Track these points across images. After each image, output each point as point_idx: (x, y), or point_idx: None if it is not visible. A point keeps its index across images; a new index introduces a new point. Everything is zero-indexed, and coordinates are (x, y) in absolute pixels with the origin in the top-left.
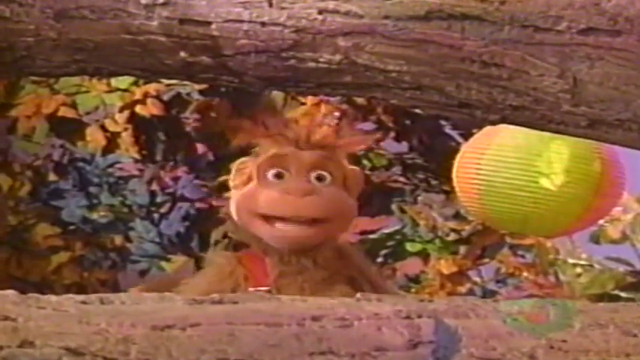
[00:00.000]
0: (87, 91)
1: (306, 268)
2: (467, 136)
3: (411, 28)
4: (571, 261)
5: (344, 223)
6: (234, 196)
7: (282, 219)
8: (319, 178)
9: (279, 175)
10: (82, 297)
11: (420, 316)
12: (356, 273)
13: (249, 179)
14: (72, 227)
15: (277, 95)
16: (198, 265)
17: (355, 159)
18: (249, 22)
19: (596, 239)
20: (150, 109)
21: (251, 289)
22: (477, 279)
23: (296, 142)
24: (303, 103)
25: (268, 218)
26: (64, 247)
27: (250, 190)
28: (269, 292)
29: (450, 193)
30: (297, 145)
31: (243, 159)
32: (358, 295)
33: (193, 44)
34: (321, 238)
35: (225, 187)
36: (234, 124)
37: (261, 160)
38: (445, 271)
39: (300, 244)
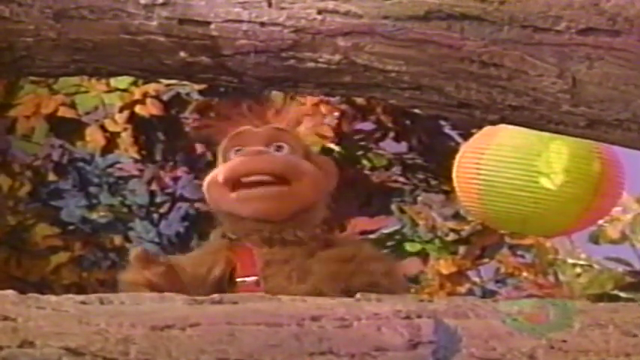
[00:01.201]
0: (86, 91)
1: (293, 257)
2: (466, 136)
3: (410, 28)
4: (570, 261)
5: (308, 187)
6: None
7: (245, 185)
8: (279, 149)
9: (239, 152)
10: (81, 297)
11: (419, 317)
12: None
13: None
14: (71, 227)
15: (277, 95)
16: None
17: (355, 159)
18: (249, 22)
19: (595, 239)
20: (149, 109)
21: (239, 279)
22: (477, 279)
23: (252, 123)
24: (303, 103)
25: (234, 188)
26: (63, 247)
27: (213, 172)
28: (257, 282)
29: (449, 193)
30: (253, 125)
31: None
32: (358, 295)
33: (193, 44)
34: (289, 201)
35: None
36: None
37: (223, 145)
38: (444, 271)
39: (269, 206)
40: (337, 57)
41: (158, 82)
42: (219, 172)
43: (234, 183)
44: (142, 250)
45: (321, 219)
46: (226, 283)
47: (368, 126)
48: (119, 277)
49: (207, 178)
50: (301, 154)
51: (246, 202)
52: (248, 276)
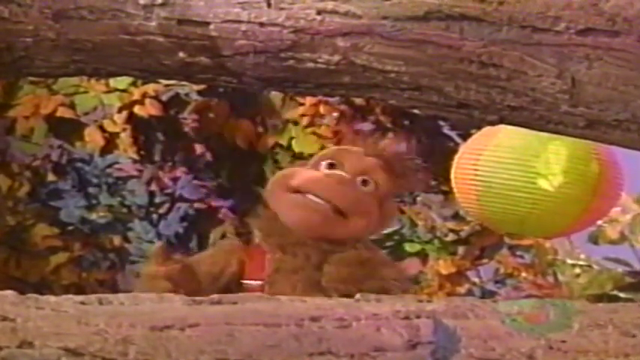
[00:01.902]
0: (85, 92)
1: (303, 269)
2: (465, 136)
3: (409, 28)
4: (570, 261)
5: (357, 229)
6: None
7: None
8: (364, 183)
9: (330, 166)
10: (80, 297)
11: (418, 317)
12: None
13: None
14: (70, 228)
15: (276, 96)
16: None
17: None
18: (248, 22)
19: (594, 240)
20: (148, 110)
21: (245, 281)
22: (476, 279)
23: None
24: (302, 104)
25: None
26: (62, 248)
27: (292, 170)
28: (262, 286)
29: (448, 194)
30: (366, 152)
31: None
32: (357, 295)
33: (192, 45)
34: (331, 227)
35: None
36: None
37: (324, 151)
38: (444, 272)
39: (310, 217)
40: (336, 57)
41: (157, 82)
42: (296, 175)
43: (295, 190)
44: (161, 246)
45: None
46: (235, 284)
47: (367, 126)
48: (141, 271)
49: (284, 172)
50: (382, 197)
51: (292, 209)
52: (255, 279)
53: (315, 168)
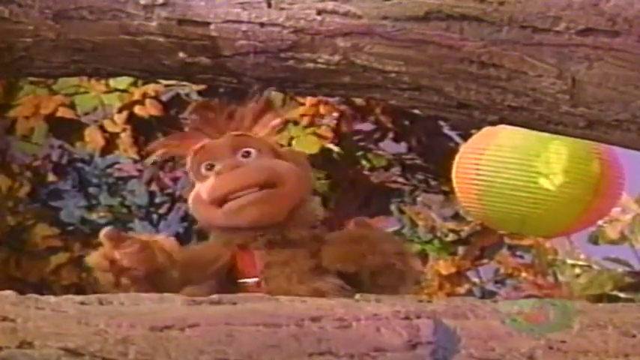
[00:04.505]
0: (85, 92)
1: (293, 259)
2: (465, 136)
3: (409, 28)
4: (570, 261)
5: (293, 186)
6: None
7: (229, 199)
8: (246, 154)
9: (210, 167)
10: (80, 298)
11: (418, 317)
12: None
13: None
14: (71, 228)
15: (276, 96)
16: None
17: (354, 159)
18: (248, 22)
19: (594, 240)
20: (148, 110)
21: (240, 280)
22: (476, 279)
23: (212, 135)
24: (302, 104)
25: (221, 204)
26: (62, 248)
27: (195, 191)
28: (258, 283)
29: (448, 194)
30: (213, 137)
31: None
32: (357, 295)
33: (192, 45)
34: (279, 203)
35: None
36: (162, 143)
37: (189, 162)
38: (444, 272)
39: (262, 209)
40: (336, 57)
41: (157, 82)
42: (202, 192)
43: (221, 200)
44: (112, 229)
45: (314, 214)
46: (225, 277)
47: (367, 126)
48: (85, 259)
49: (192, 197)
50: (271, 155)
51: (238, 213)
52: (249, 277)
53: (199, 178)
